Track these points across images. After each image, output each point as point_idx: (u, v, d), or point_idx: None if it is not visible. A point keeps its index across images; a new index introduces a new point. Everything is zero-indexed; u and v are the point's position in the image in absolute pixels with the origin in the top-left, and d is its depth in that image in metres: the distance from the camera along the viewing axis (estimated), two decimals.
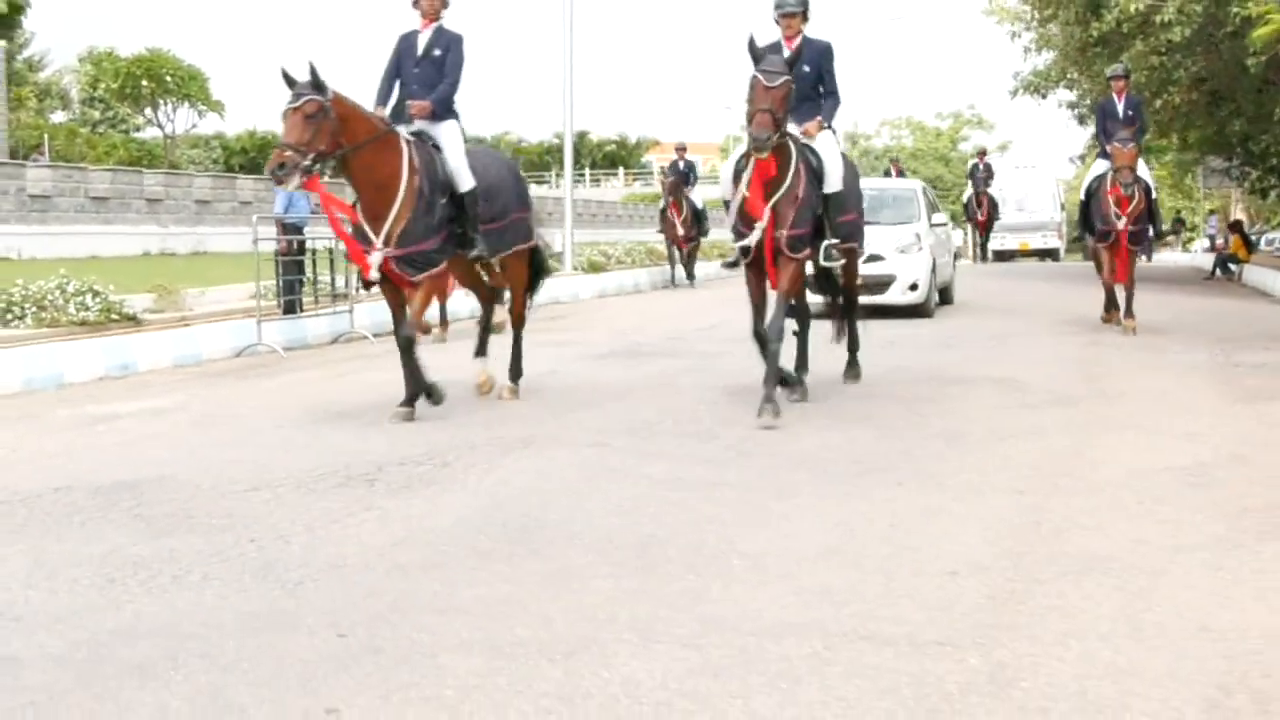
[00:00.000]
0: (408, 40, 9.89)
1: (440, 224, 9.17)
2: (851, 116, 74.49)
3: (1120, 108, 15.31)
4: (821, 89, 9.82)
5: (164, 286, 17.93)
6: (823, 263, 9.58)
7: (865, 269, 15.50)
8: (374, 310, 15.73)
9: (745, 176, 9.00)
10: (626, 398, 10.20)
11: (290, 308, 15.65)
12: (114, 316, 14.95)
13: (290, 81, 8.75)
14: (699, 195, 26.51)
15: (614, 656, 4.28)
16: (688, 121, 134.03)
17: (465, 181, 9.43)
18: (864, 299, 15.60)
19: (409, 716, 3.81)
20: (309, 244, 16.30)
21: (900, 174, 34.12)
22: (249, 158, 58.20)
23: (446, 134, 9.60)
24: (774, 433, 8.52)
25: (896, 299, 17.06)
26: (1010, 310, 18.47)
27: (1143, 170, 15.17)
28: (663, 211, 26.57)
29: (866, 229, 16.22)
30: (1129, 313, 14.85)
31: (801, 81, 9.35)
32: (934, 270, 17.83)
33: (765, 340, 9.11)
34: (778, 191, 8.92)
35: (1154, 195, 15.53)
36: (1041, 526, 6.07)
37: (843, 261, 9.95)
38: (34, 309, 14.53)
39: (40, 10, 59.77)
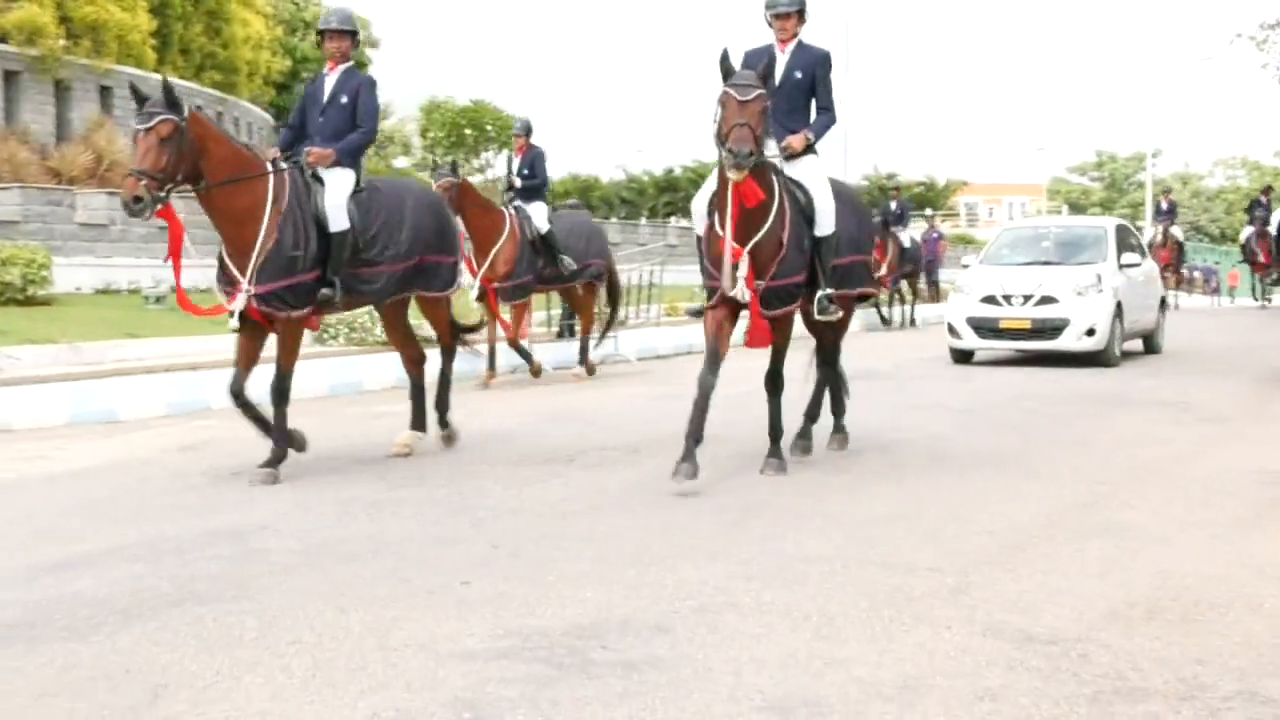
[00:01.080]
0: (314, 86, 9.05)
1: (308, 260, 8.31)
2: (1183, 157, 72.47)
3: None
4: (815, 103, 8.64)
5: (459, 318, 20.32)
6: (817, 316, 8.45)
7: (1037, 312, 15.89)
8: (641, 336, 17.83)
9: (713, 209, 8.01)
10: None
11: (561, 333, 17.83)
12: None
13: (140, 98, 7.83)
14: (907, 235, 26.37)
15: (679, 566, 5.82)
16: (1001, 163, 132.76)
17: (338, 221, 8.50)
18: (1035, 344, 16.10)
19: (514, 587, 5.45)
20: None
21: (1171, 209, 33.84)
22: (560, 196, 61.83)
23: (335, 176, 8.66)
24: (928, 438, 9.82)
25: (1071, 345, 15.94)
26: (1225, 365, 16.50)
27: None
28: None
29: (1040, 270, 16.52)
30: None
31: (792, 89, 8.48)
32: (1119, 315, 16.30)
33: (706, 394, 7.86)
34: (758, 232, 7.80)
35: None
36: (1094, 505, 7.24)
37: (840, 314, 8.74)
38: (346, 330, 17.00)
39: (388, 60, 64.83)
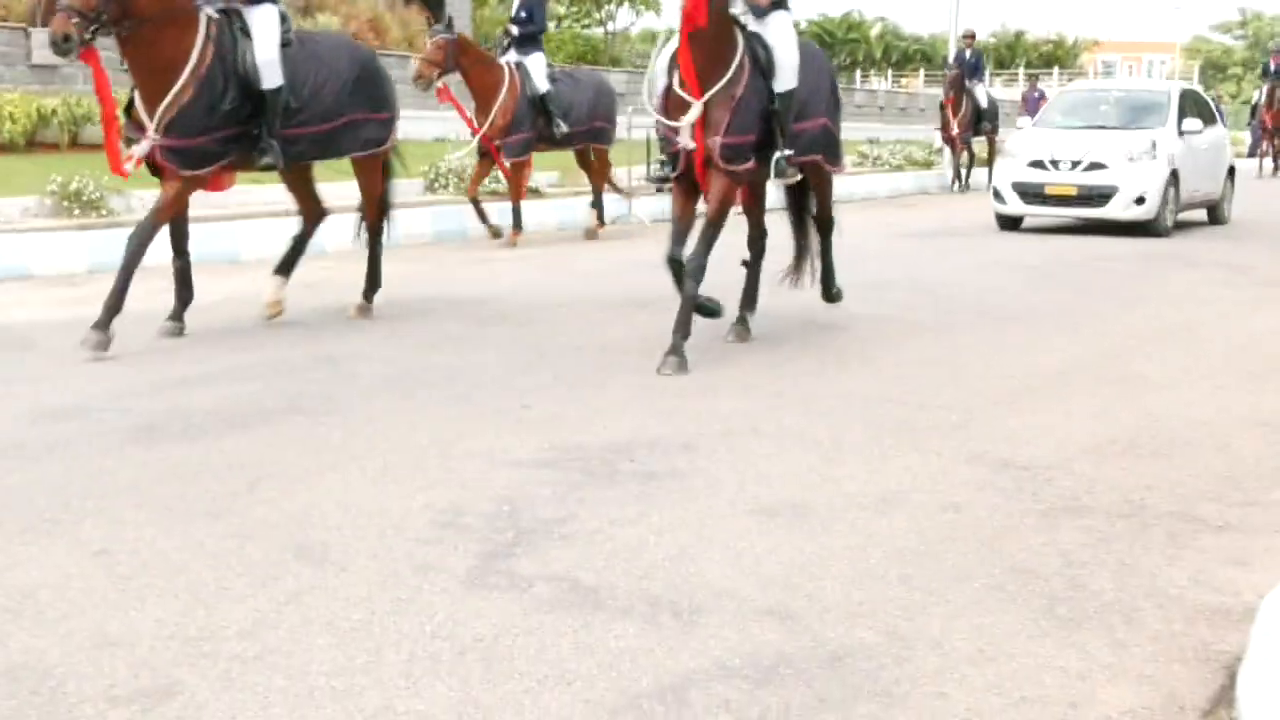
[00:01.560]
0: None
1: (226, 119, 7.95)
2: None
3: None
4: None
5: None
6: (774, 179, 7.94)
7: (1084, 178, 15.56)
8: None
9: (673, 68, 7.55)
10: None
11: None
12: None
13: None
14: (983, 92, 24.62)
15: (717, 396, 6.56)
16: (1135, 21, 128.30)
17: (271, 78, 8.09)
18: (1082, 211, 15.85)
19: (567, 409, 6.25)
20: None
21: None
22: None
23: (260, 20, 8.17)
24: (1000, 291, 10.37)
25: (1119, 214, 15.58)
26: None
27: None
28: (941, 107, 24.67)
29: (1092, 135, 16.11)
30: None
31: None
32: (1175, 184, 15.91)
33: (679, 274, 7.51)
34: (712, 87, 7.34)
35: None
36: (1117, 356, 7.81)
37: (797, 177, 8.10)
38: (455, 179, 17.79)
39: None
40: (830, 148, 8.50)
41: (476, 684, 3.30)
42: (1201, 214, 17.68)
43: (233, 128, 8.02)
